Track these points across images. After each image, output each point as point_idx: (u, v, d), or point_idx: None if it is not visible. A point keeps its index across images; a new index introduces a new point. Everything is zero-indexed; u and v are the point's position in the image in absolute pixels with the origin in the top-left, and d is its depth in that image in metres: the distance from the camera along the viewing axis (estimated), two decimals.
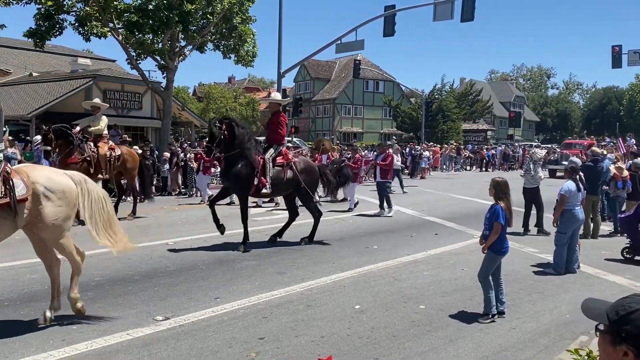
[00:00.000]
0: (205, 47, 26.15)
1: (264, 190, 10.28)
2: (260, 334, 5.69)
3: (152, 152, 20.96)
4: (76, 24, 23.25)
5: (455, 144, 41.52)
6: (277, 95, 12.14)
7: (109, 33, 23.63)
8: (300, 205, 11.39)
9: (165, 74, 25.41)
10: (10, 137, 16.34)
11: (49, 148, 12.82)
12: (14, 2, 19.11)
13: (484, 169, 37.56)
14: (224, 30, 24.75)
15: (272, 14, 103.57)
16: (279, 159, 10.47)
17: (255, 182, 10.01)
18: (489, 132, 62.62)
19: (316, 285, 7.64)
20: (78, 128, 13.32)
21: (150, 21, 22.27)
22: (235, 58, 26.17)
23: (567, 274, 8.56)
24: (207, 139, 10.38)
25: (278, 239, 10.76)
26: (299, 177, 10.48)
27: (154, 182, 18.70)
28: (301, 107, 33.09)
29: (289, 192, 10.90)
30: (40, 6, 22.07)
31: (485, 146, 43.93)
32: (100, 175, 13.05)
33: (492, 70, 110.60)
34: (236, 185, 10.17)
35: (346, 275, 8.20)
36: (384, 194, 14.85)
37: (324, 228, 12.55)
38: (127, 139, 20.40)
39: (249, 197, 10.70)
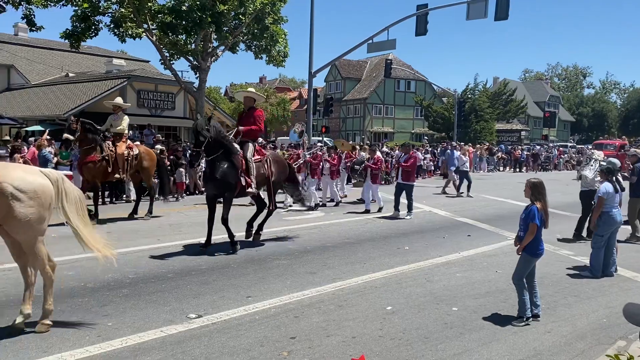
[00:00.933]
0: (237, 48, 26.39)
1: (249, 190, 10.02)
2: (292, 334, 5.70)
3: (184, 151, 21.20)
4: (111, 25, 23.74)
5: (487, 144, 40.99)
6: (252, 90, 11.54)
7: (144, 34, 24.02)
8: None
9: (197, 74, 25.73)
10: (48, 137, 16.67)
11: (71, 138, 12.31)
12: (52, 4, 19.54)
13: (517, 169, 36.97)
14: (255, 30, 24.92)
15: (303, 13, 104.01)
16: (256, 155, 10.38)
17: (243, 183, 9.80)
18: (522, 132, 61.74)
19: (347, 285, 7.62)
20: (100, 128, 13.17)
21: (184, 22, 22.57)
22: (267, 58, 26.35)
23: (604, 277, 8.37)
24: (194, 143, 9.71)
25: (259, 231, 10.72)
26: (273, 171, 10.55)
27: (186, 181, 18.89)
28: (332, 107, 33.07)
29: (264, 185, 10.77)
30: (76, 8, 22.55)
31: (519, 146, 43.25)
32: (117, 175, 12.98)
33: (526, 70, 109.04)
34: (224, 189, 9.72)
35: (377, 276, 8.16)
36: (408, 196, 14.32)
37: (354, 228, 12.55)
38: (160, 138, 20.73)
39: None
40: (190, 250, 9.70)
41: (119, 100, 14.51)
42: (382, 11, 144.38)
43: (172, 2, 23.12)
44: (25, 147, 16.72)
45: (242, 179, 9.78)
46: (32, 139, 18.32)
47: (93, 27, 23.50)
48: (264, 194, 11.08)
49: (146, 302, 6.67)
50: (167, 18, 22.92)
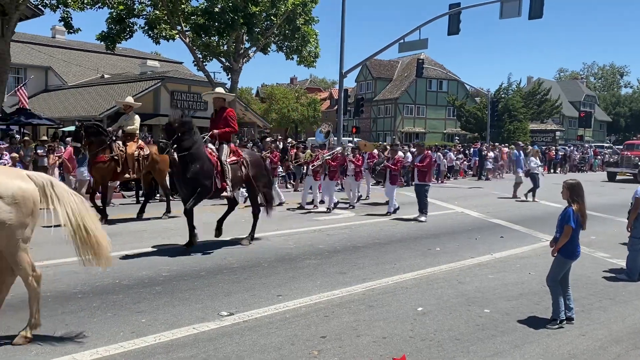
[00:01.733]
0: (269, 49, 26.54)
1: (224, 193, 9.89)
2: (322, 333, 5.72)
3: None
4: (146, 27, 24.15)
5: (522, 144, 40.37)
6: (221, 90, 11.15)
7: (177, 36, 24.37)
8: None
9: (229, 75, 25.98)
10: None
11: (79, 145, 12.40)
12: (88, 6, 19.97)
13: (552, 170, 36.31)
14: (287, 31, 25.05)
15: (334, 13, 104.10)
16: (232, 157, 10.14)
17: (219, 186, 9.66)
18: (557, 133, 60.63)
19: (378, 286, 7.61)
20: (111, 128, 13.23)
21: (216, 23, 22.81)
22: (298, 59, 26.44)
23: None
24: (165, 134, 9.50)
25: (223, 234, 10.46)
26: (250, 172, 10.34)
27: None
28: (362, 108, 32.99)
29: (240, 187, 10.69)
30: (112, 10, 22.97)
31: (553, 147, 42.49)
32: (127, 175, 12.95)
33: (561, 69, 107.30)
34: (195, 191, 9.39)
35: (408, 277, 8.12)
36: (422, 197, 13.98)
37: (385, 229, 12.52)
38: None
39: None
40: (222, 248, 9.81)
41: (129, 99, 14.36)
42: (414, 10, 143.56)
43: (205, 4, 23.40)
44: (62, 147, 17.14)
45: (216, 181, 9.60)
46: (69, 138, 18.72)
47: (128, 29, 23.92)
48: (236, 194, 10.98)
49: (179, 299, 6.77)
50: (200, 20, 23.20)
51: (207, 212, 12.88)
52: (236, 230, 11.12)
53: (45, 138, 21.50)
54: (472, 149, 32.26)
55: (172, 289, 7.18)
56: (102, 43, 24.54)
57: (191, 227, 9.65)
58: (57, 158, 16.15)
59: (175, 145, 9.22)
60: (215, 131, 10.03)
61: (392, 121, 62.10)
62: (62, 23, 19.93)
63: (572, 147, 42.78)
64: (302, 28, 25.09)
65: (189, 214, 9.57)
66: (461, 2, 23.94)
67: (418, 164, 14.15)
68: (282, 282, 7.66)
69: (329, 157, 15.59)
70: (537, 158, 19.38)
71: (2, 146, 16.31)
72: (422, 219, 13.73)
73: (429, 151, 15.68)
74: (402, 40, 25.62)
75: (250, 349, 5.27)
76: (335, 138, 17.64)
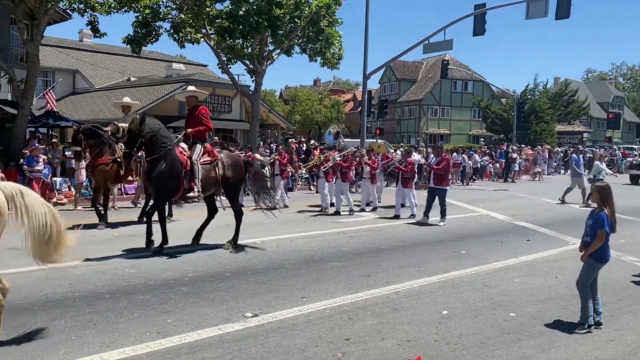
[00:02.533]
0: (292, 51, 26.61)
1: (191, 194, 9.59)
2: (346, 335, 5.71)
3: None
4: (171, 31, 24.46)
5: (549, 146, 39.84)
6: (193, 88, 10.86)
7: (202, 39, 24.61)
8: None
9: (254, 78, 26.13)
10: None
11: (78, 149, 12.35)
12: (114, 10, 20.28)
13: None
14: (310, 33, 25.10)
15: (358, 15, 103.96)
16: (206, 157, 9.80)
17: (185, 186, 9.43)
18: (585, 134, 59.74)
19: (402, 288, 7.57)
20: (108, 129, 12.80)
21: (241, 26, 22.99)
22: (322, 61, 26.46)
23: None
24: (127, 142, 9.34)
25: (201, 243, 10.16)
26: (226, 174, 9.94)
27: None
28: (386, 109, 32.89)
29: (214, 190, 10.18)
30: (138, 14, 23.29)
31: (581, 149, 41.80)
32: (130, 177, 12.83)
33: (588, 69, 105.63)
34: (160, 190, 9.33)
35: (433, 280, 8.07)
36: (440, 201, 13.49)
37: (409, 231, 12.46)
38: (217, 140, 21.15)
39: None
40: (246, 250, 9.86)
41: (126, 99, 13.89)
42: (439, 11, 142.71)
43: (230, 7, 23.59)
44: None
45: (184, 181, 9.38)
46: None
47: (154, 33, 24.24)
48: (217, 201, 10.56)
49: (204, 300, 6.82)
50: (225, 23, 23.39)
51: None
52: (254, 233, 11.16)
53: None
54: (498, 151, 31.92)
55: (197, 290, 7.24)
56: (129, 46, 24.90)
57: (149, 230, 9.55)
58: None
59: (141, 151, 9.16)
60: (189, 130, 9.86)
61: (417, 123, 61.76)
62: (89, 27, 20.25)
63: (600, 149, 42.07)
64: (326, 30, 25.11)
65: (149, 216, 9.54)
66: (486, 3, 23.73)
67: (435, 166, 13.72)
68: (305, 284, 7.67)
69: (340, 158, 15.25)
70: (603, 163, 18.21)
71: (39, 147, 16.54)
72: (443, 223, 13.38)
73: (449, 154, 15.14)
74: (426, 41, 25.47)
75: (275, 350, 5.29)
76: (344, 139, 17.01)
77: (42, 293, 6.88)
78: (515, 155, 29.77)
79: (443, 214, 13.56)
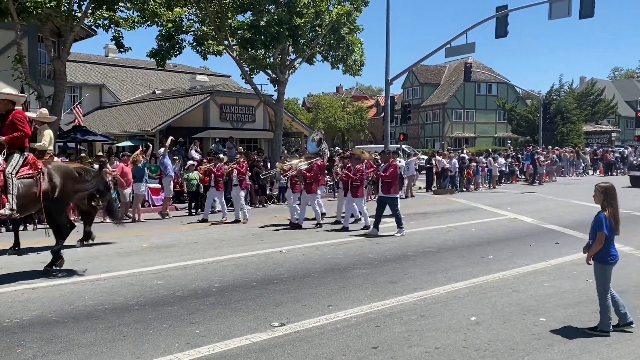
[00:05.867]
0: (314, 59, 26.70)
1: (2, 212, 8.15)
2: (374, 343, 5.68)
3: (264, 162, 21.71)
4: (194, 44, 24.77)
5: (576, 148, 39.23)
6: (6, 90, 9.70)
7: (224, 50, 24.88)
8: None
9: (276, 87, 26.28)
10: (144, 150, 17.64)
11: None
12: (138, 25, 20.61)
13: (609, 173, 35.07)
14: (332, 41, 25.16)
15: (379, 20, 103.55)
16: (26, 170, 8.46)
17: None
18: (613, 134, 58.69)
19: (429, 295, 7.51)
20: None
21: (262, 37, 23.13)
22: (343, 68, 26.51)
23: None
24: None
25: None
26: (52, 189, 8.67)
27: (267, 192, 19.30)
28: (409, 114, 32.76)
29: (39, 207, 8.68)
30: (161, 28, 23.64)
31: (609, 148, 41.11)
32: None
33: (615, 68, 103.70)
34: None
35: (460, 286, 7.99)
36: (393, 210, 12.61)
37: (435, 237, 12.36)
38: (242, 150, 21.30)
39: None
40: (272, 259, 9.90)
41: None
42: (460, 14, 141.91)
43: (251, 18, 23.80)
44: (116, 162, 17.70)
45: None
46: (122, 153, 19.39)
47: (177, 46, 24.56)
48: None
49: (232, 310, 6.86)
50: (247, 34, 23.59)
51: (257, 223, 12.99)
52: (244, 245, 11.20)
53: (100, 154, 22.25)
54: (524, 153, 31.56)
55: (225, 300, 7.28)
56: (153, 60, 25.27)
57: None
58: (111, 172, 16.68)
59: None
60: (2, 138, 8.45)
61: (441, 127, 61.40)
62: (114, 42, 20.61)
63: (630, 149, 41.29)
64: (347, 37, 25.14)
65: None
66: (508, 4, 23.54)
67: (382, 173, 12.65)
68: (332, 292, 7.66)
69: (306, 166, 14.06)
70: None
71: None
72: (399, 234, 12.43)
73: (395, 161, 13.55)
74: (448, 45, 25.35)
75: (302, 359, 5.29)
76: (326, 145, 16.23)
77: (72, 306, 7.00)
78: (542, 158, 29.41)
79: (399, 223, 12.63)
